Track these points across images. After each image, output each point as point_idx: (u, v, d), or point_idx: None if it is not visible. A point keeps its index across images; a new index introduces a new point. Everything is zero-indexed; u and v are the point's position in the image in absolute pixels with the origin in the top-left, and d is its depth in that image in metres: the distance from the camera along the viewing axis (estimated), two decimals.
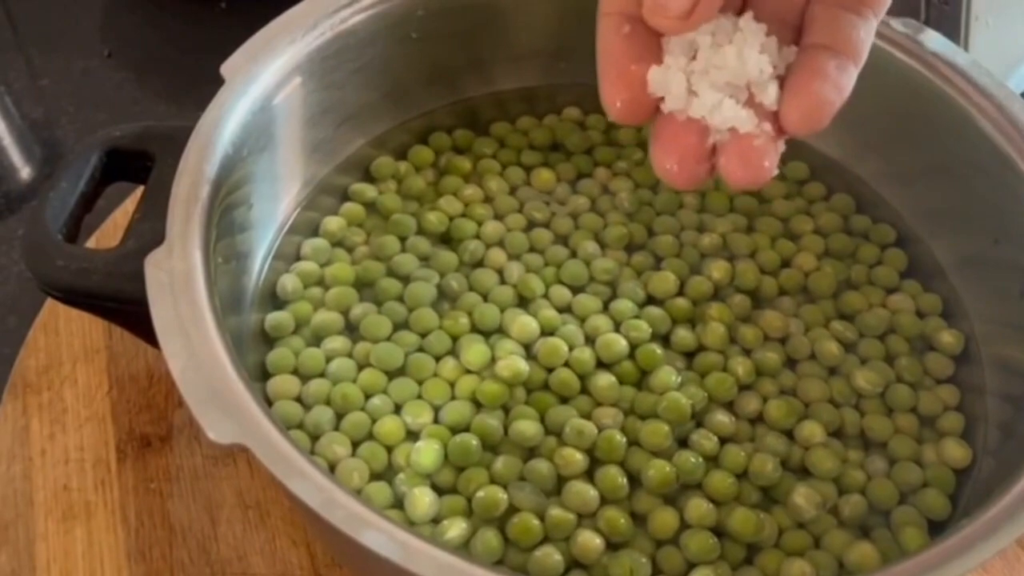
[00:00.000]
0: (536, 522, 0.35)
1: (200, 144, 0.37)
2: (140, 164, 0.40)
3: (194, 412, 0.29)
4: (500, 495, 0.36)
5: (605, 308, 0.43)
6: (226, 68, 0.39)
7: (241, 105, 0.39)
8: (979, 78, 0.42)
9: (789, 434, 0.39)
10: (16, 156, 0.57)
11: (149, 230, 0.36)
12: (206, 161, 0.36)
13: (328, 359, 0.40)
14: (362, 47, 0.44)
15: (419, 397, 0.39)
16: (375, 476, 0.37)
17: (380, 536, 0.27)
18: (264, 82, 0.40)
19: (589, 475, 0.37)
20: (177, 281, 0.32)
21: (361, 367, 0.40)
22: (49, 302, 0.45)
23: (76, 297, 0.36)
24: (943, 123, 0.43)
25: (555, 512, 0.35)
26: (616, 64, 0.27)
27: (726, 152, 0.27)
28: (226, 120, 0.38)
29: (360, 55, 0.44)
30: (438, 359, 0.40)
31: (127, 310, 0.35)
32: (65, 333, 0.44)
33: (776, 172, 0.28)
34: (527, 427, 0.38)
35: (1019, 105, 0.41)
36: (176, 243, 0.33)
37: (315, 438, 0.38)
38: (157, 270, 0.32)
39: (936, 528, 0.37)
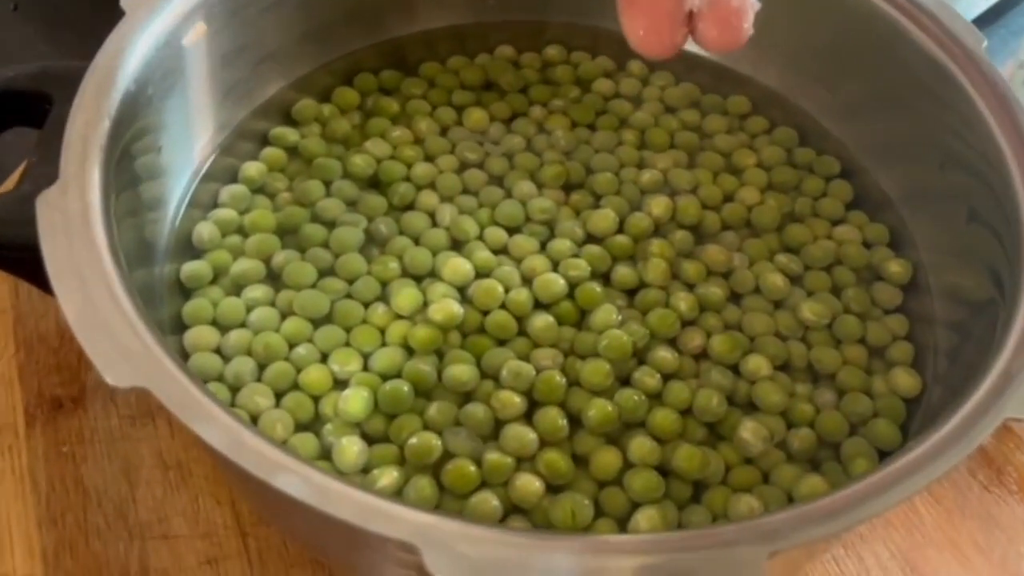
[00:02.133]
0: (472, 468, 0.33)
1: (98, 79, 0.34)
2: (38, 107, 0.37)
3: (90, 356, 0.27)
4: (434, 441, 0.34)
5: (542, 248, 0.41)
6: (126, 1, 0.36)
7: (143, 39, 0.36)
8: None
9: (735, 369, 0.37)
10: None
11: (45, 174, 0.33)
12: (104, 97, 0.33)
13: (249, 309, 0.38)
14: None
15: (347, 345, 0.37)
16: (301, 427, 0.35)
17: (294, 478, 0.25)
18: (168, 15, 0.37)
19: (528, 419, 0.36)
20: (72, 221, 0.30)
21: (284, 316, 0.38)
22: None
23: None
24: (885, 48, 0.42)
25: (492, 456, 0.33)
26: None
27: (704, 17, 0.27)
28: (127, 55, 0.35)
29: None
30: (367, 305, 0.38)
31: (23, 258, 0.33)
32: None
33: (752, 33, 0.27)
34: (462, 371, 0.36)
35: (961, 24, 0.40)
36: (71, 182, 0.31)
37: (235, 390, 0.35)
38: (50, 209, 0.30)
39: (886, 459, 0.35)
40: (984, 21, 0.60)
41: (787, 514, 0.26)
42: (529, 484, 0.33)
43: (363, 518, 0.25)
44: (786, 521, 0.26)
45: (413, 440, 0.34)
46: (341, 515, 0.25)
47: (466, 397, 0.36)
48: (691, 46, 0.48)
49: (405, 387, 0.35)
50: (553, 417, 0.35)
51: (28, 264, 0.33)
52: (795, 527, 0.26)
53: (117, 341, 0.27)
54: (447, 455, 0.34)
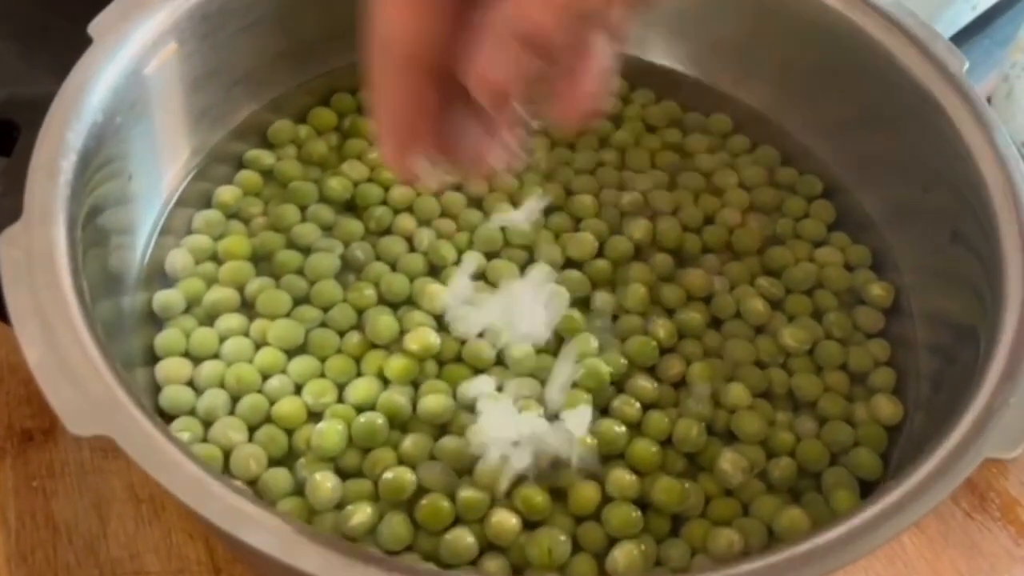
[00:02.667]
0: (446, 503, 0.33)
1: (63, 111, 0.33)
2: (4, 135, 0.36)
3: (52, 403, 0.26)
4: (407, 476, 0.33)
5: (521, 273, 0.40)
6: (94, 27, 0.36)
7: (111, 68, 0.35)
8: (902, 19, 0.41)
9: (715, 398, 0.37)
10: None
11: (11, 206, 0.33)
12: (69, 129, 0.33)
13: (222, 339, 0.37)
14: (249, 3, 0.41)
15: (322, 375, 0.36)
16: (275, 462, 0.34)
17: (262, 531, 0.25)
18: (137, 42, 0.36)
19: None
20: (35, 261, 0.29)
21: (258, 346, 0.37)
22: None
23: None
24: (868, 68, 0.42)
25: (466, 493, 0.33)
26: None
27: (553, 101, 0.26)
28: (94, 85, 0.34)
29: (248, 11, 0.41)
30: (342, 334, 0.38)
31: None
32: None
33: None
34: (437, 402, 0.35)
35: (943, 45, 0.40)
36: (35, 219, 0.30)
37: (208, 424, 0.35)
38: (12, 248, 0.29)
39: (868, 488, 0.35)
40: (969, 32, 0.59)
41: (766, 563, 0.25)
42: (505, 522, 0.33)
43: (334, 573, 0.24)
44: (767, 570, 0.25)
45: (387, 475, 0.33)
46: (310, 569, 0.24)
47: (443, 429, 0.35)
48: (673, 63, 0.48)
49: (379, 420, 0.35)
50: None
51: None
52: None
53: (80, 387, 0.27)
54: (421, 490, 0.34)
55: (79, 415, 0.26)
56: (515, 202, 0.42)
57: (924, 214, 0.41)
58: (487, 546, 0.33)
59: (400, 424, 0.35)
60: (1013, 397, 0.29)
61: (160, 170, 0.40)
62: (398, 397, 0.35)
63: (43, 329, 0.28)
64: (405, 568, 0.25)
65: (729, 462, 0.35)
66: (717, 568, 0.26)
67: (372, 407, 0.35)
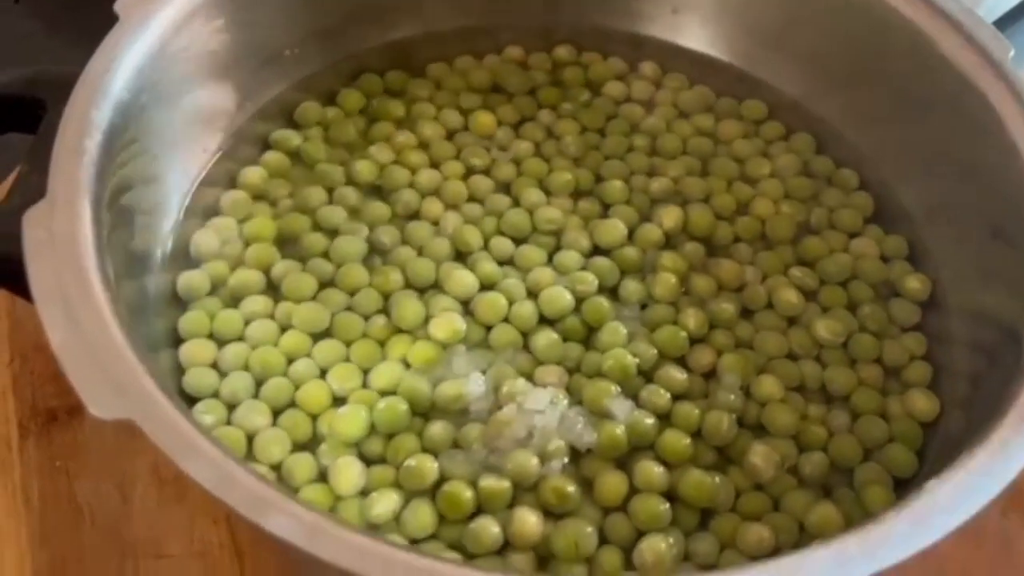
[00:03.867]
0: (467, 494, 0.32)
1: (89, 89, 0.33)
2: (31, 112, 0.36)
3: (75, 385, 0.26)
4: (429, 464, 0.33)
5: (549, 260, 0.40)
6: (120, 5, 0.35)
7: (137, 46, 0.35)
8: (944, 5, 0.39)
9: (746, 390, 0.36)
10: None
11: (37, 184, 0.32)
12: (95, 108, 0.32)
13: (247, 322, 0.37)
14: None
15: (347, 360, 0.36)
16: (298, 447, 0.34)
17: (285, 519, 0.24)
18: (163, 20, 0.36)
19: None
20: (59, 242, 0.29)
21: (283, 329, 0.37)
22: None
23: None
24: (908, 56, 0.41)
25: (487, 483, 0.32)
26: None
27: None
28: (119, 63, 0.34)
29: None
30: (367, 319, 0.37)
31: (11, 271, 0.32)
32: None
33: None
34: (456, 388, 0.35)
35: (987, 31, 0.39)
36: (59, 199, 0.30)
37: (232, 407, 0.34)
38: (36, 228, 0.29)
39: (902, 486, 0.34)
40: (1015, 16, 0.58)
41: (797, 561, 0.25)
42: (526, 521, 0.32)
43: (357, 563, 0.24)
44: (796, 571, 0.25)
45: (409, 463, 0.33)
46: (333, 559, 0.24)
47: (466, 417, 0.35)
48: (707, 47, 0.47)
49: (402, 406, 0.34)
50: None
51: (15, 279, 0.32)
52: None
53: (103, 370, 0.26)
54: (445, 478, 0.33)
55: (102, 398, 0.26)
56: (545, 187, 0.42)
57: (964, 208, 0.40)
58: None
59: (423, 411, 0.35)
60: None
61: (186, 149, 0.39)
62: (420, 383, 0.35)
63: (66, 311, 0.27)
64: (427, 558, 0.24)
65: (760, 456, 0.34)
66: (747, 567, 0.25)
67: (395, 393, 0.35)
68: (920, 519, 0.26)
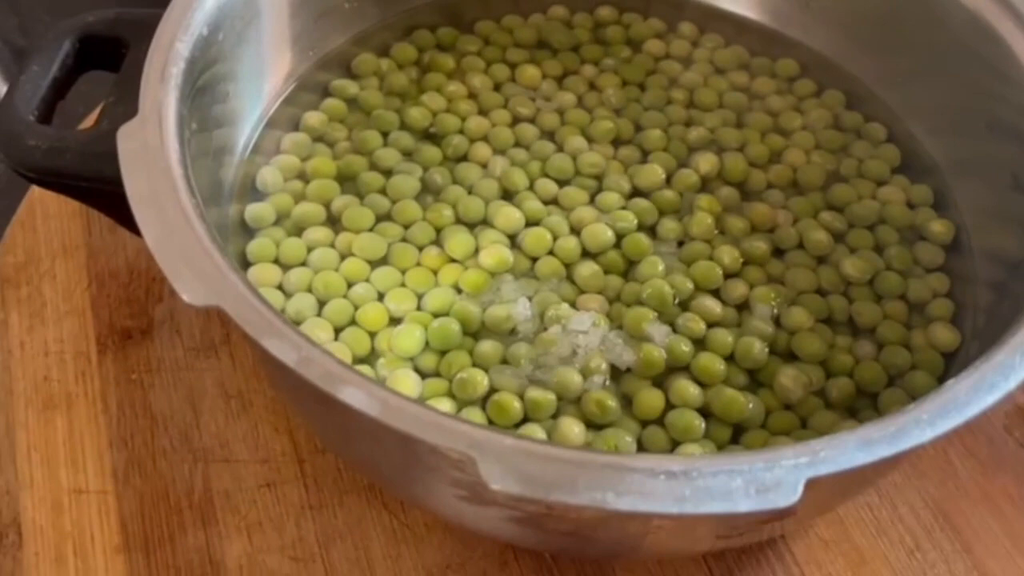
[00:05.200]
0: (516, 403, 0.35)
1: (174, 22, 0.36)
2: (114, 51, 0.39)
3: (168, 277, 0.28)
4: (480, 377, 0.35)
5: (591, 200, 0.42)
6: None
7: None
8: None
9: (776, 320, 0.38)
10: None
11: (123, 113, 0.35)
12: (179, 39, 0.35)
13: (309, 249, 0.39)
14: None
15: (402, 285, 0.39)
16: (358, 361, 0.36)
17: (359, 392, 0.27)
18: None
19: None
20: (151, 152, 0.32)
21: (343, 257, 0.39)
22: (27, 200, 0.44)
23: (49, 177, 0.35)
24: (934, 11, 0.43)
25: (534, 393, 0.35)
26: None
27: None
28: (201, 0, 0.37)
29: None
30: (421, 249, 0.40)
31: (102, 190, 0.35)
32: (43, 230, 0.43)
33: None
34: (504, 311, 0.37)
35: None
36: (149, 115, 0.33)
37: (297, 324, 0.37)
38: (130, 141, 0.32)
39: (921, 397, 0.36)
40: None
41: (827, 441, 0.27)
42: (569, 431, 0.34)
43: (423, 430, 0.26)
44: (827, 448, 0.27)
45: (462, 375, 0.35)
46: (402, 427, 0.26)
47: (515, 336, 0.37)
48: (742, 8, 0.49)
49: (454, 325, 0.37)
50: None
51: (105, 196, 0.35)
52: (835, 455, 0.27)
53: (193, 264, 0.29)
54: (495, 389, 0.36)
55: (193, 287, 0.28)
56: (587, 135, 0.44)
57: (987, 160, 0.42)
58: None
59: (473, 332, 0.37)
60: None
61: (255, 91, 0.42)
62: (471, 305, 0.37)
63: (158, 212, 0.30)
64: (480, 427, 0.26)
65: (789, 377, 0.36)
66: (775, 448, 0.27)
67: (448, 315, 0.37)
68: (938, 410, 0.28)
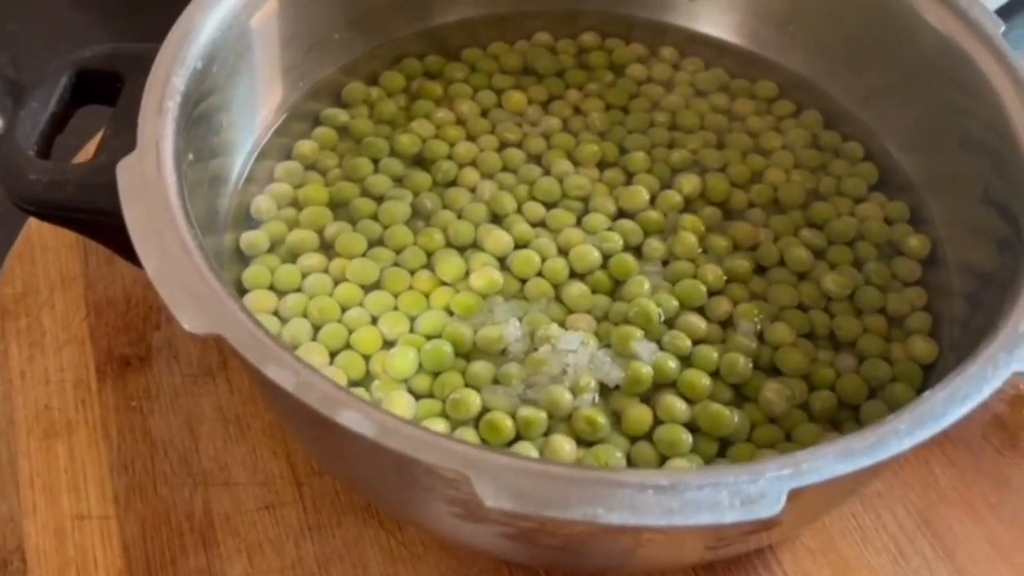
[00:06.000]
0: (508, 421, 0.36)
1: (170, 56, 0.37)
2: (110, 85, 0.40)
3: (169, 306, 0.29)
4: (473, 397, 0.36)
5: (578, 222, 0.43)
6: None
7: (212, 19, 0.39)
8: None
9: (760, 336, 0.40)
10: None
11: (120, 146, 0.36)
12: (175, 74, 0.36)
13: (304, 275, 0.40)
14: None
15: (395, 309, 0.40)
16: (353, 384, 0.37)
17: (356, 414, 0.28)
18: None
19: None
20: (149, 184, 0.33)
21: (337, 282, 0.40)
22: (24, 233, 0.45)
23: (50, 210, 0.36)
24: (905, 33, 0.44)
25: (525, 412, 0.36)
26: None
27: None
28: (196, 34, 0.38)
29: None
30: (413, 273, 0.41)
31: (101, 222, 0.35)
32: (41, 262, 0.44)
33: None
34: (496, 331, 0.38)
35: (979, 9, 0.42)
36: (147, 149, 0.34)
37: (293, 349, 0.38)
38: (129, 174, 0.33)
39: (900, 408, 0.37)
40: (1013, 7, 0.61)
41: (809, 453, 0.28)
42: (560, 448, 0.35)
43: (418, 450, 0.27)
44: (809, 459, 0.28)
45: (455, 396, 0.36)
46: (399, 447, 0.27)
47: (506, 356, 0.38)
48: (721, 32, 0.51)
49: (447, 347, 0.38)
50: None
51: (104, 228, 0.36)
52: (816, 466, 0.28)
53: (193, 293, 0.30)
54: (487, 411, 0.36)
55: (193, 316, 0.29)
56: (573, 158, 0.45)
57: (960, 174, 0.43)
58: None
59: (465, 352, 0.38)
60: None
61: (249, 122, 0.43)
62: (463, 327, 0.38)
63: (158, 242, 0.31)
64: (476, 447, 0.27)
65: (773, 391, 0.37)
66: (759, 461, 0.28)
67: (440, 337, 0.38)
68: (915, 421, 0.29)
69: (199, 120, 0.38)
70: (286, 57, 0.44)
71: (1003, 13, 0.58)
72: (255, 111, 0.44)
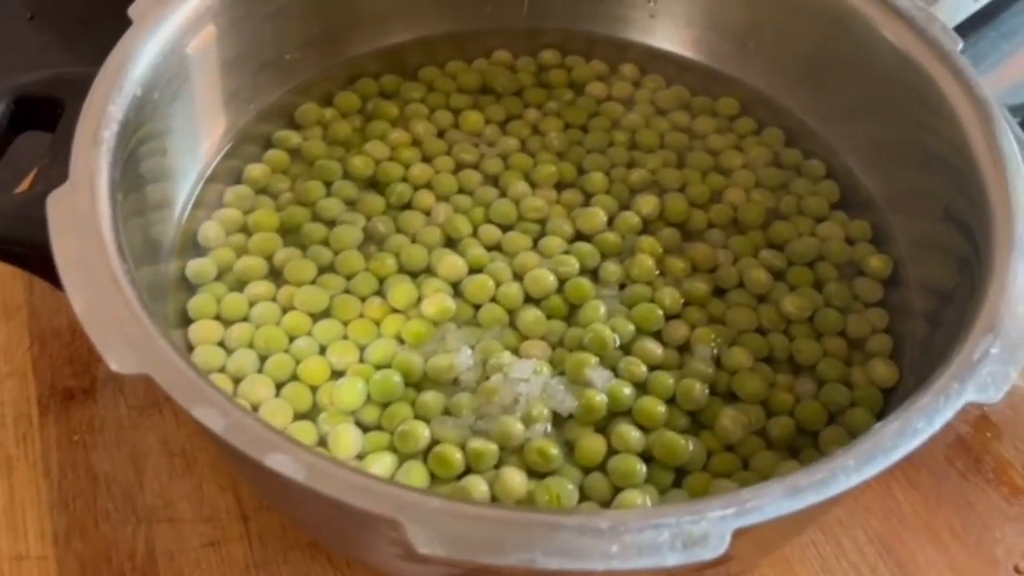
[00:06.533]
0: (457, 454, 0.35)
1: (106, 85, 0.36)
2: (50, 111, 0.39)
3: (96, 345, 0.28)
4: (421, 429, 0.35)
5: (534, 245, 0.42)
6: (134, 10, 0.38)
7: (150, 47, 0.38)
8: (897, 1, 0.42)
9: (717, 361, 0.39)
10: None
11: (58, 175, 0.35)
12: (111, 102, 0.35)
13: (251, 304, 0.39)
14: None
15: (344, 338, 0.39)
16: (299, 416, 0.36)
17: (285, 457, 0.27)
18: (174, 24, 0.39)
19: None
20: (80, 218, 0.32)
21: (285, 311, 0.39)
22: None
23: None
24: (865, 50, 0.43)
25: (475, 444, 0.35)
26: None
27: None
28: (133, 62, 0.37)
29: None
30: (364, 300, 0.40)
31: (36, 255, 0.34)
32: None
33: None
34: (447, 360, 0.37)
35: (938, 26, 0.41)
36: (80, 181, 0.33)
37: (238, 381, 0.37)
38: (59, 207, 0.32)
39: (850, 443, 0.36)
40: (975, 24, 0.61)
41: (754, 491, 0.27)
42: (511, 480, 0.34)
43: (350, 495, 0.26)
44: (754, 498, 0.27)
45: (403, 428, 0.35)
46: (329, 492, 0.26)
47: (456, 386, 0.37)
48: (682, 48, 0.50)
49: (396, 377, 0.37)
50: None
51: (40, 261, 0.35)
52: (762, 504, 0.27)
53: (122, 331, 0.29)
54: (437, 441, 0.36)
55: (121, 355, 0.28)
56: (530, 179, 0.44)
57: (921, 192, 0.43)
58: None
59: (415, 382, 0.37)
60: (994, 348, 0.31)
61: (194, 147, 0.42)
62: (413, 356, 0.38)
63: (87, 279, 0.30)
64: (422, 491, 0.26)
65: (729, 418, 0.37)
66: (702, 500, 0.27)
67: (390, 366, 0.38)
68: (864, 456, 0.28)
69: (140, 146, 0.37)
70: (234, 80, 0.43)
71: (966, 27, 0.58)
72: (201, 136, 0.43)
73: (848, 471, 0.28)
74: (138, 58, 0.37)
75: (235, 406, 0.28)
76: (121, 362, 0.28)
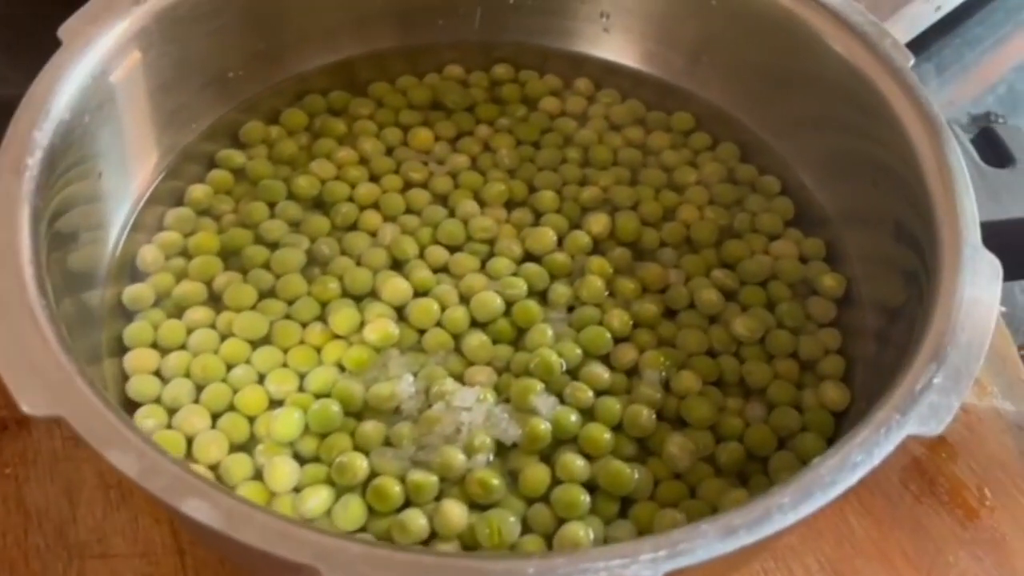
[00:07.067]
0: (396, 487, 0.34)
1: (32, 110, 0.35)
2: None
3: (8, 385, 0.28)
4: (359, 461, 0.34)
5: (482, 267, 0.41)
6: (64, 31, 0.37)
7: (79, 69, 0.37)
8: (850, 16, 0.42)
9: (666, 385, 0.38)
10: None
11: None
12: (36, 128, 0.34)
13: (189, 331, 0.38)
14: (219, 6, 0.42)
15: (284, 365, 0.38)
16: (236, 448, 0.36)
17: (201, 502, 0.26)
18: (105, 45, 0.38)
19: None
20: None
21: (224, 338, 0.38)
22: None
23: None
24: (818, 66, 0.43)
25: (415, 476, 0.34)
26: None
27: None
28: (61, 85, 0.36)
29: (217, 15, 0.42)
30: (305, 326, 0.39)
31: None
32: None
33: None
34: (388, 388, 0.37)
35: (889, 41, 0.41)
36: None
37: (173, 412, 0.36)
38: None
39: (786, 479, 0.36)
40: (938, 32, 0.60)
41: (686, 532, 0.26)
42: (451, 512, 0.33)
43: (268, 542, 0.25)
44: (686, 539, 0.26)
45: (341, 459, 0.35)
46: (246, 539, 0.25)
47: (398, 415, 0.37)
48: (636, 62, 0.49)
49: (334, 407, 0.36)
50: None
51: None
52: (694, 547, 0.26)
53: (37, 369, 0.28)
54: (376, 474, 0.35)
55: (33, 396, 0.27)
56: (480, 198, 0.44)
57: (874, 207, 0.42)
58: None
59: (356, 411, 0.37)
60: (937, 378, 0.30)
61: (132, 169, 0.41)
62: (352, 384, 0.37)
63: (2, 316, 0.29)
64: (342, 536, 0.26)
65: (677, 446, 0.36)
66: (631, 541, 0.26)
67: (329, 395, 0.37)
68: (801, 493, 0.27)
69: (70, 170, 0.36)
70: (173, 98, 0.42)
71: (929, 35, 0.57)
72: (139, 157, 0.42)
73: (784, 509, 0.27)
74: (66, 81, 0.36)
75: (153, 448, 0.27)
76: (33, 404, 0.27)
